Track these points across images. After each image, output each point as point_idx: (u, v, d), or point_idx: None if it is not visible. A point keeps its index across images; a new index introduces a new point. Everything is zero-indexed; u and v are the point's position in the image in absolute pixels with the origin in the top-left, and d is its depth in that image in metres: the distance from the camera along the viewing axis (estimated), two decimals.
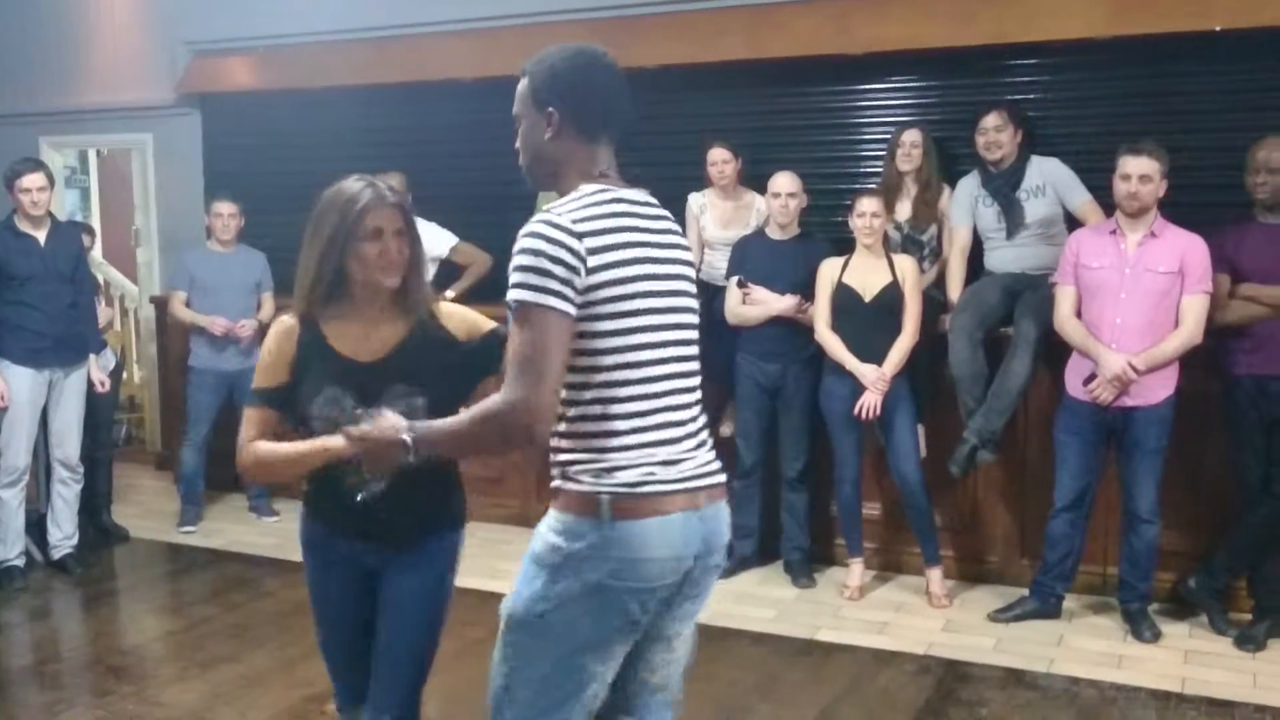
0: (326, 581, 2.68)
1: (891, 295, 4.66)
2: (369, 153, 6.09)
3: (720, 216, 5.36)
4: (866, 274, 4.70)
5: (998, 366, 4.63)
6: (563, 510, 2.07)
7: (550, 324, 1.94)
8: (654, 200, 2.16)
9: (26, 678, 4.22)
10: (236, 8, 6.79)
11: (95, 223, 8.30)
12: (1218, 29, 4.68)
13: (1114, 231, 4.31)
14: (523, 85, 2.15)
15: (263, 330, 5.95)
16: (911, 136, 5.03)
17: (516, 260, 1.96)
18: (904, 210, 5.10)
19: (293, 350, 2.48)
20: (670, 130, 5.71)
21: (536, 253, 1.95)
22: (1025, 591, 4.63)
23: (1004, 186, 4.82)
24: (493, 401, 1.98)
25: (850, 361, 4.65)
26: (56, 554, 5.31)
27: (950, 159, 5.19)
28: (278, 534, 5.86)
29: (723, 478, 2.21)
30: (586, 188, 2.07)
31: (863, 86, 5.55)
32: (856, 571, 4.90)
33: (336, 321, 2.49)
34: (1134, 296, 4.23)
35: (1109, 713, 3.81)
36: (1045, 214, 4.79)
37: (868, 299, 4.67)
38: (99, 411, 5.55)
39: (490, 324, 2.59)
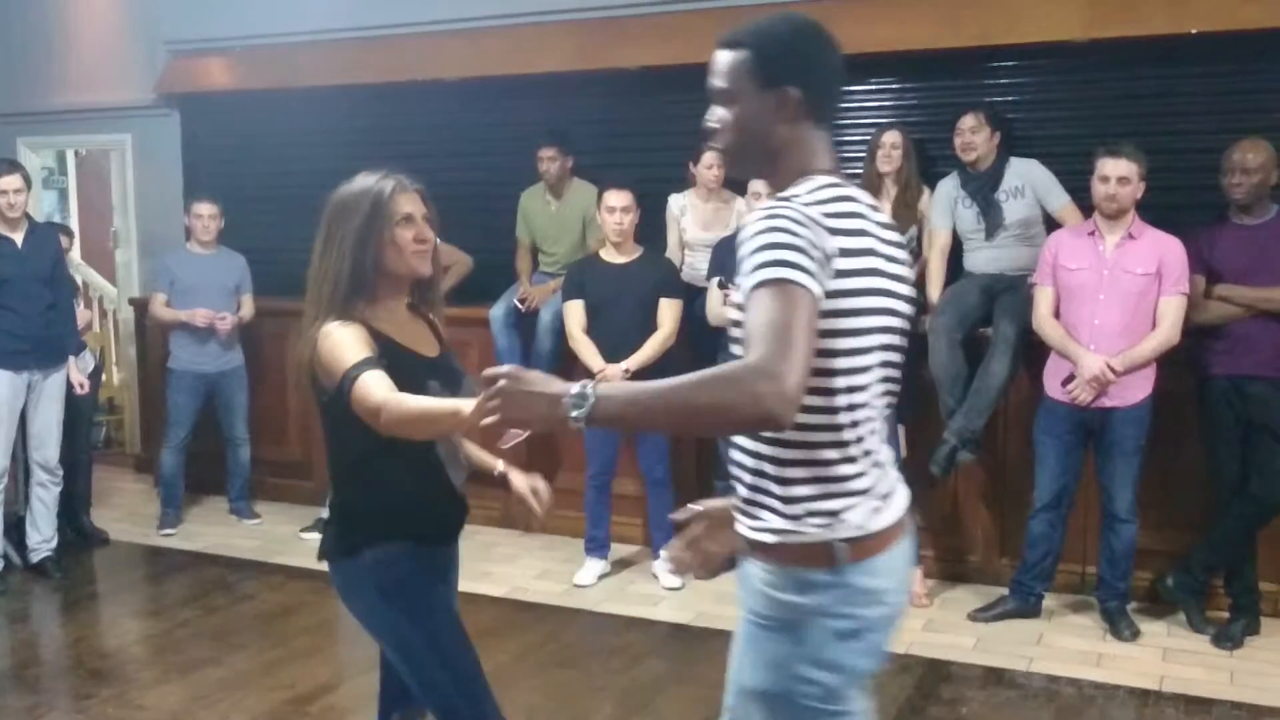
0: (445, 605, 2.49)
1: None
2: (350, 153, 6.04)
3: (701, 218, 5.37)
4: None
5: (977, 367, 4.65)
6: (790, 563, 1.83)
7: (804, 303, 1.66)
8: (877, 203, 1.97)
9: (6, 681, 4.19)
10: (216, 8, 6.76)
11: (74, 224, 8.25)
12: (1193, 32, 4.72)
13: (1092, 233, 4.34)
14: (736, 58, 1.90)
15: (242, 327, 5.95)
16: (891, 137, 5.05)
17: (762, 240, 1.69)
18: (883, 211, 5.10)
19: (373, 344, 2.30)
20: (652, 132, 5.72)
21: (790, 232, 1.69)
22: (1005, 591, 4.65)
23: (983, 188, 4.84)
24: (733, 365, 1.66)
25: None
26: (35, 557, 5.28)
27: (930, 160, 5.21)
28: (259, 536, 5.84)
29: (908, 490, 2.03)
30: (821, 179, 1.83)
31: (843, 88, 5.55)
32: None
33: (381, 320, 2.37)
34: (1112, 298, 4.26)
35: (1088, 711, 3.83)
36: (1024, 215, 4.82)
37: None
38: (78, 413, 5.52)
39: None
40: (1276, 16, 4.56)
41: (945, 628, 4.55)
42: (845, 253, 1.75)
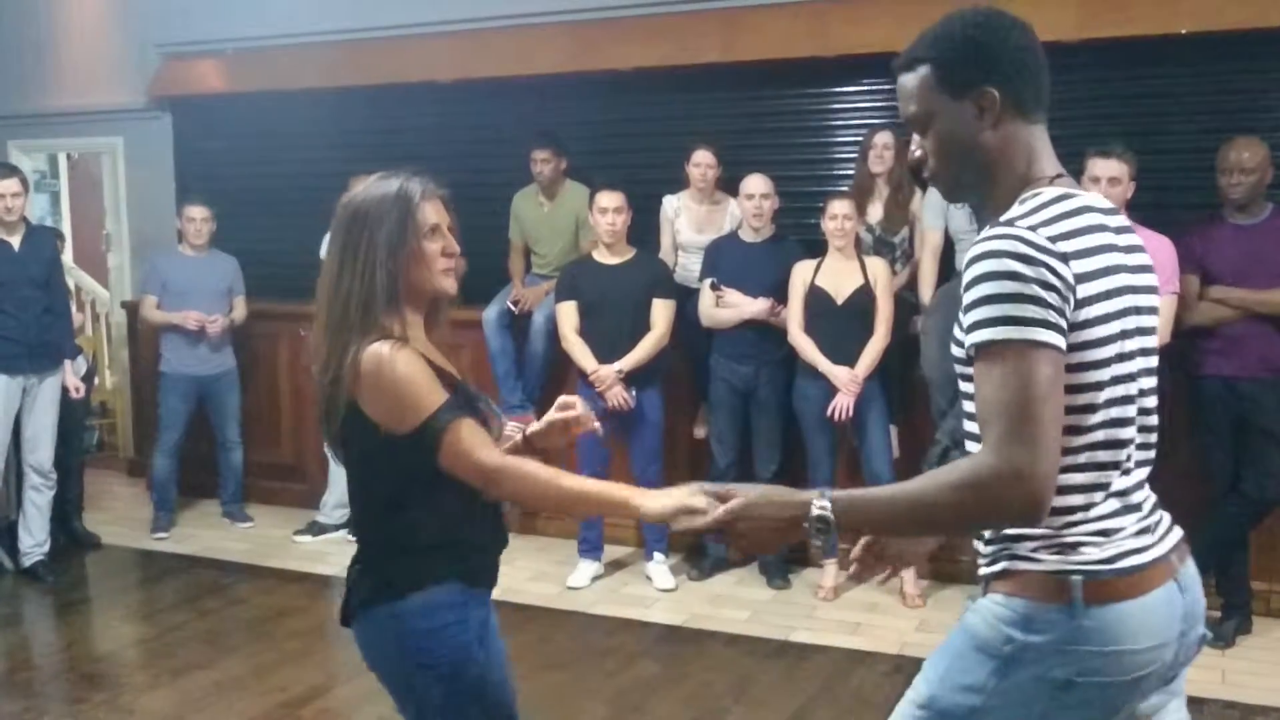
0: (492, 651, 2.23)
1: (864, 297, 4.69)
2: (343, 155, 6.06)
3: (695, 219, 5.37)
4: (839, 276, 4.72)
5: None
6: (1017, 594, 1.67)
7: (1043, 364, 1.52)
8: (1114, 207, 1.78)
9: None
10: (207, 10, 6.76)
11: (65, 227, 8.24)
12: (1184, 32, 4.73)
13: None
14: (919, 77, 1.74)
15: (234, 330, 5.94)
16: (883, 138, 5.06)
17: (986, 288, 1.55)
18: (875, 212, 5.12)
19: (429, 368, 2.07)
20: (645, 132, 5.73)
21: (1016, 276, 1.53)
22: None
23: None
24: (974, 466, 1.54)
25: (823, 363, 4.68)
26: (28, 561, 5.26)
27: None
28: (251, 540, 5.83)
29: (1181, 533, 1.82)
30: (1048, 192, 1.66)
31: (837, 89, 5.58)
32: (830, 572, 4.92)
33: (414, 341, 2.11)
34: None
35: None
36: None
37: (840, 301, 4.69)
38: (70, 417, 5.51)
39: None
40: (1267, 17, 4.58)
41: (938, 628, 4.55)
42: (1084, 278, 1.58)
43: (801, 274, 4.78)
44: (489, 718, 2.19)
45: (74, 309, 6.02)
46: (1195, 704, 3.80)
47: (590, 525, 5.12)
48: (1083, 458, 1.64)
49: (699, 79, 5.63)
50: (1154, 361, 1.72)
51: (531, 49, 5.88)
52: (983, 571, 1.76)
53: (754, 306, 4.85)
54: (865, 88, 5.51)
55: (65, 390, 5.27)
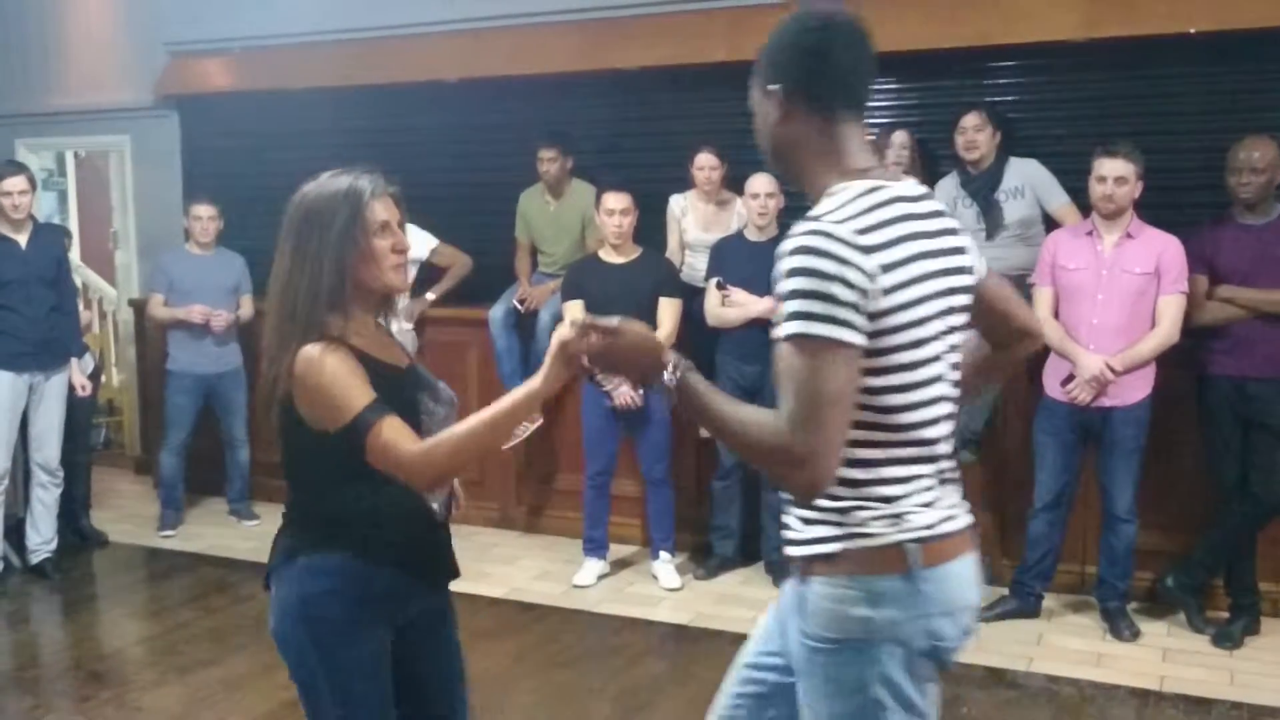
0: (370, 642, 2.18)
1: None
2: (349, 154, 5.97)
3: (701, 219, 5.37)
4: None
5: None
6: (852, 573, 1.75)
7: (837, 363, 1.63)
8: (927, 191, 1.86)
9: (5, 683, 4.19)
10: (215, 9, 6.76)
11: (73, 225, 8.25)
12: (1192, 31, 4.72)
13: (1090, 233, 4.34)
14: (754, 77, 1.90)
15: (240, 328, 5.95)
16: (901, 138, 5.05)
17: (793, 284, 1.64)
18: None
19: (363, 371, 2.09)
20: (652, 132, 5.73)
21: (819, 274, 1.63)
22: (1005, 590, 4.65)
23: (983, 188, 4.84)
24: (776, 427, 1.64)
25: None
26: (35, 559, 5.28)
27: (930, 160, 5.21)
28: (258, 538, 5.83)
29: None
30: (855, 186, 1.74)
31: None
32: None
33: (356, 336, 2.15)
34: (1111, 297, 4.26)
35: (1088, 711, 3.83)
36: (1024, 215, 4.82)
37: None
38: (78, 415, 5.52)
39: None
40: (1275, 16, 4.56)
41: None
42: (890, 268, 1.67)
43: None
44: (341, 698, 2.16)
45: (81, 307, 6.03)
46: (1203, 705, 3.81)
47: (596, 524, 5.12)
48: (906, 435, 1.75)
49: (706, 78, 5.62)
50: (962, 329, 1.85)
51: (538, 48, 5.88)
52: (806, 553, 1.81)
53: (760, 305, 4.84)
54: (872, 86, 5.49)
55: (72, 388, 5.28)
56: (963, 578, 1.81)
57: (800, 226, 1.69)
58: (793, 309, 1.64)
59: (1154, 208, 4.40)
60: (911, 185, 1.83)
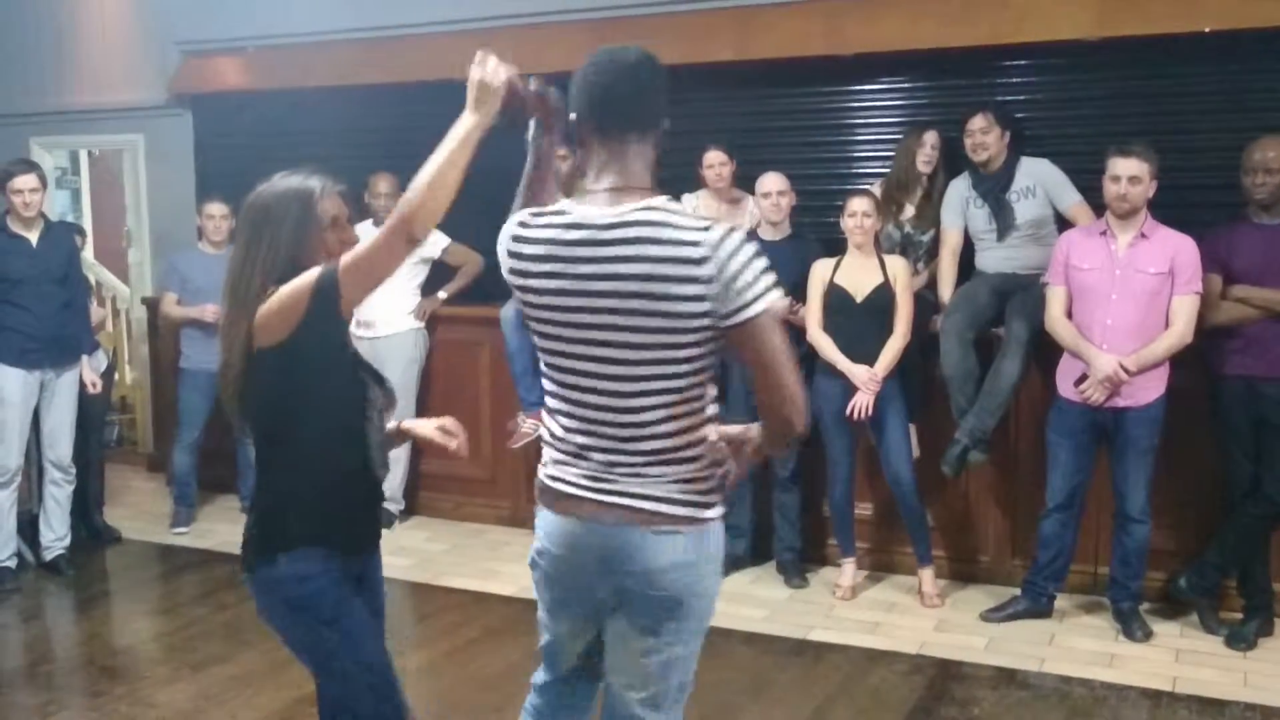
0: (350, 601, 2.39)
1: (883, 296, 4.67)
2: (361, 153, 6.09)
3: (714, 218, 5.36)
4: (858, 274, 4.70)
5: (989, 367, 4.64)
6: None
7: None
8: (592, 220, 2.09)
9: (19, 679, 4.21)
10: (228, 8, 6.78)
11: (86, 224, 8.28)
12: (1207, 30, 4.70)
13: (1104, 233, 4.33)
14: None
15: None
16: (932, 138, 5.04)
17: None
18: (908, 210, 5.11)
19: (301, 314, 2.23)
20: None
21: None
22: (1017, 591, 4.64)
23: (994, 188, 4.83)
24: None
25: (842, 362, 4.66)
26: (49, 555, 5.30)
27: (949, 160, 5.19)
28: None
29: (642, 504, 2.16)
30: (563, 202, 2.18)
31: (853, 88, 5.56)
32: (848, 571, 4.91)
33: None
34: (1124, 297, 4.24)
35: (1100, 712, 3.82)
36: (1035, 215, 4.81)
37: (859, 299, 4.68)
38: (91, 412, 5.54)
39: None
40: None
41: (957, 628, 4.54)
42: (522, 256, 2.16)
43: (820, 272, 4.77)
44: (346, 641, 2.37)
45: (94, 305, 6.05)
46: (1217, 706, 3.80)
47: None
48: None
49: (714, 77, 5.62)
50: (591, 350, 2.14)
51: (547, 47, 5.86)
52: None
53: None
54: (881, 86, 5.50)
55: (83, 385, 5.30)
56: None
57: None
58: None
59: (1168, 207, 4.38)
60: (583, 209, 2.11)
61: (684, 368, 2.08)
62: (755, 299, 2.02)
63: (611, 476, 2.15)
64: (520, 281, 2.16)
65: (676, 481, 2.14)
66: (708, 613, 2.32)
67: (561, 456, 2.22)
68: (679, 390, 2.10)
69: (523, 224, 2.17)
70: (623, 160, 2.11)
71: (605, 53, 2.11)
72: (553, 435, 2.24)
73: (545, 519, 2.28)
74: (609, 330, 2.07)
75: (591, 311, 2.08)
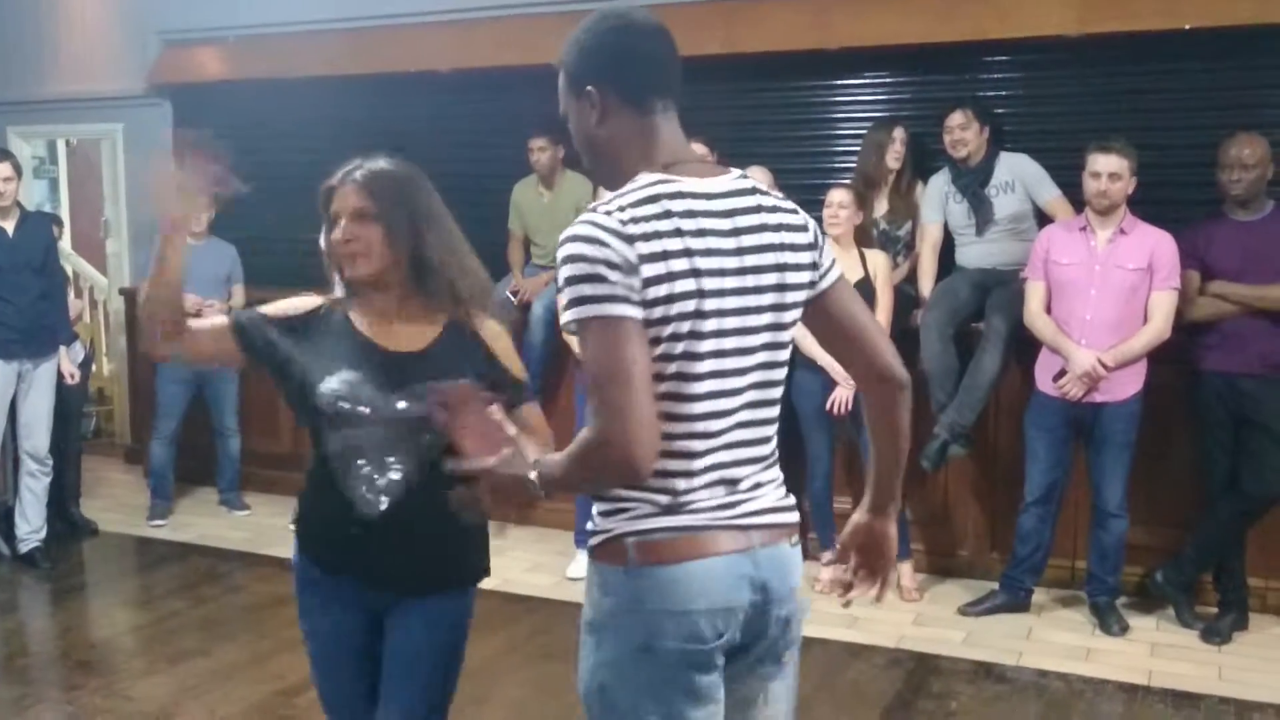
0: (325, 620, 2.34)
1: (863, 290, 4.67)
2: (343, 144, 5.98)
3: None
4: None
5: (969, 362, 4.65)
6: (595, 560, 1.83)
7: (619, 335, 1.62)
8: (741, 187, 1.80)
9: None
10: None
11: (64, 214, 8.22)
12: (1187, 28, 4.72)
13: (1084, 228, 4.34)
14: (559, 79, 1.87)
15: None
16: (901, 134, 5.05)
17: (566, 271, 1.65)
18: (881, 206, 5.12)
19: (298, 319, 2.27)
20: None
21: (585, 259, 1.63)
22: (995, 585, 4.66)
23: (973, 183, 4.84)
24: (582, 437, 1.67)
25: (822, 357, 4.66)
26: (24, 547, 5.26)
27: (924, 155, 5.21)
28: (248, 528, 5.83)
29: (789, 518, 1.85)
30: (643, 179, 1.74)
31: (838, 82, 5.56)
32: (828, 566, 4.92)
33: (361, 308, 2.28)
34: (1104, 293, 4.26)
35: (1077, 705, 3.84)
36: (1015, 210, 4.82)
37: None
38: (68, 404, 5.50)
39: (520, 374, 2.33)
40: (1270, 12, 4.57)
41: (935, 622, 4.55)
42: (645, 259, 1.64)
43: None
44: (320, 666, 2.40)
45: (72, 295, 6.01)
46: (1191, 700, 3.83)
47: (588, 516, 5.10)
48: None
49: (700, 71, 5.57)
50: (774, 354, 1.79)
51: (532, 39, 5.84)
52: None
53: None
54: (867, 80, 5.50)
55: (61, 376, 5.26)
56: (699, 577, 1.74)
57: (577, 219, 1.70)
58: (567, 297, 1.65)
59: (1147, 203, 4.40)
60: (717, 183, 1.78)
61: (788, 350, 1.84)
62: (834, 261, 1.87)
63: (768, 495, 1.83)
64: (686, 279, 1.67)
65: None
66: None
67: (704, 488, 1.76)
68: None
69: (631, 219, 1.67)
70: (675, 134, 1.84)
71: (621, 14, 1.82)
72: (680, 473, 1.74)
73: (690, 571, 1.74)
74: (771, 312, 1.76)
75: (758, 292, 1.74)
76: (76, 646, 4.42)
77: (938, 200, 4.96)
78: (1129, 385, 4.28)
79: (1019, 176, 4.82)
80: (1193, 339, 4.36)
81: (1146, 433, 4.37)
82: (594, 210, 1.69)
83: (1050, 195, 4.79)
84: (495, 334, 2.33)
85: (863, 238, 4.83)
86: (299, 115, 6.51)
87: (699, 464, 1.74)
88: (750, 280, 1.73)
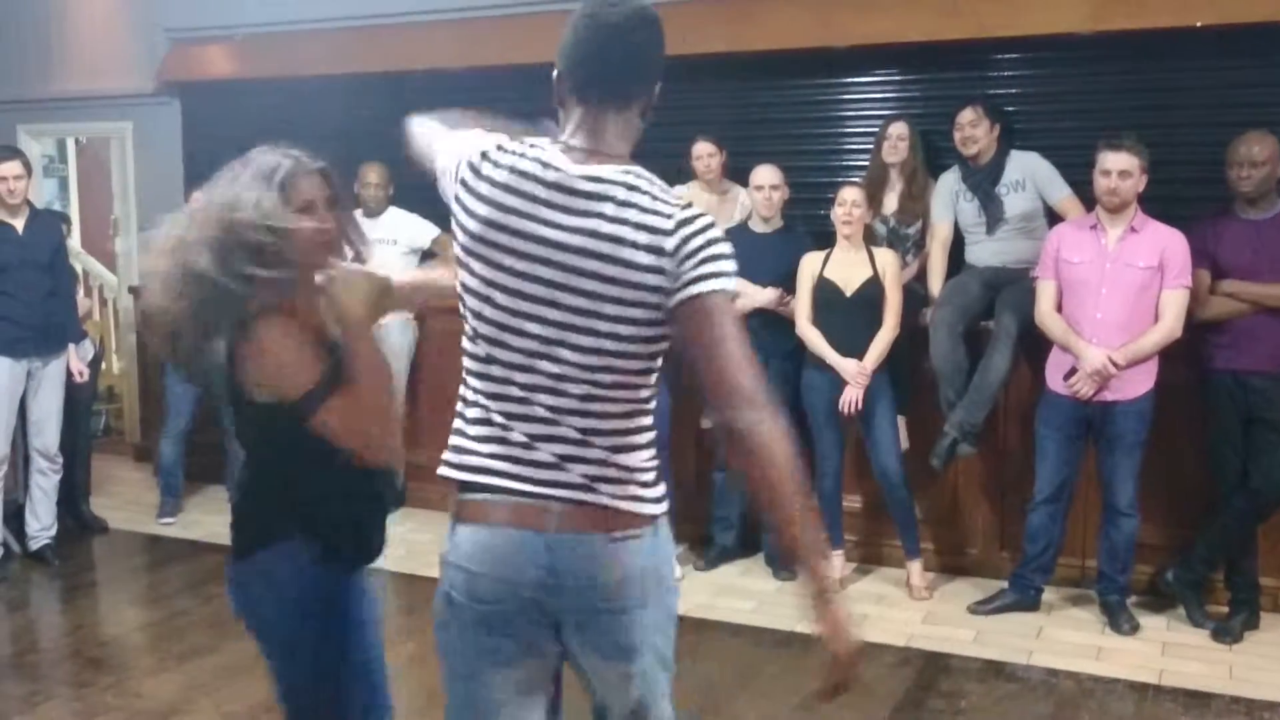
0: (367, 635, 2.43)
1: (872, 289, 4.67)
2: (352, 142, 6.05)
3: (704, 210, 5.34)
4: (848, 268, 4.70)
5: (978, 360, 4.64)
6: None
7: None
8: (592, 174, 1.86)
9: (4, 669, 4.19)
10: None
11: (73, 212, 8.24)
12: (1199, 25, 4.71)
13: (1094, 226, 4.33)
14: None
15: None
16: (898, 129, 5.04)
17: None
18: (890, 204, 5.11)
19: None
20: (653, 123, 5.68)
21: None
22: (1005, 584, 4.65)
23: (983, 181, 4.83)
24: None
25: (831, 356, 4.66)
26: (34, 545, 5.28)
27: (934, 153, 5.19)
28: None
29: (591, 497, 1.88)
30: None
31: (846, 80, 5.55)
32: (837, 564, 4.91)
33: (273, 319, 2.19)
34: (1114, 291, 4.25)
35: (1087, 704, 3.83)
36: (1025, 208, 4.81)
37: (849, 293, 4.67)
38: (78, 402, 5.51)
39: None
40: None
41: (945, 620, 4.54)
42: (477, 197, 1.88)
43: (810, 265, 4.76)
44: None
45: (81, 294, 6.02)
46: (1202, 699, 3.81)
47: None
48: (464, 363, 1.97)
49: (707, 69, 5.61)
50: (543, 313, 1.87)
51: (541, 37, 5.78)
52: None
53: (762, 296, 4.84)
54: (875, 78, 5.49)
55: (70, 374, 5.27)
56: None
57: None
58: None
59: (1157, 201, 4.38)
60: (552, 155, 1.89)
61: (623, 345, 1.85)
62: (710, 276, 1.81)
63: (566, 475, 1.91)
64: (466, 219, 1.90)
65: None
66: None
67: (511, 465, 1.91)
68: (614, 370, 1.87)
69: (487, 153, 1.91)
70: (598, 127, 1.91)
71: (594, 10, 1.87)
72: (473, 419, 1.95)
73: (476, 534, 1.96)
74: (561, 291, 1.84)
75: (549, 265, 1.83)
76: (86, 643, 4.43)
77: (948, 198, 4.95)
78: (1140, 384, 4.27)
79: (1030, 175, 4.81)
80: (1202, 337, 4.34)
81: (1157, 431, 4.36)
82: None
83: (1061, 194, 4.77)
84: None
85: (868, 236, 4.83)
86: (308, 113, 6.50)
87: (502, 442, 1.94)
88: (534, 249, 1.84)
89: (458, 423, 1.95)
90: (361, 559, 2.38)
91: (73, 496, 5.67)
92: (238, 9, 6.68)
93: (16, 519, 5.33)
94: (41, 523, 5.28)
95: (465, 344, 1.96)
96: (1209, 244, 4.32)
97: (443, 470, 1.96)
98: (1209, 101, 4.84)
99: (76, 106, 7.36)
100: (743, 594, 4.82)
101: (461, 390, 1.97)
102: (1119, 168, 4.20)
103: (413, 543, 5.53)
